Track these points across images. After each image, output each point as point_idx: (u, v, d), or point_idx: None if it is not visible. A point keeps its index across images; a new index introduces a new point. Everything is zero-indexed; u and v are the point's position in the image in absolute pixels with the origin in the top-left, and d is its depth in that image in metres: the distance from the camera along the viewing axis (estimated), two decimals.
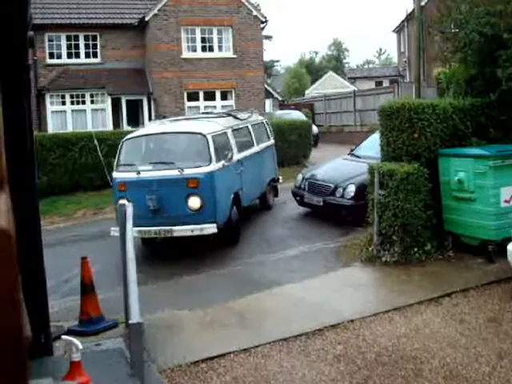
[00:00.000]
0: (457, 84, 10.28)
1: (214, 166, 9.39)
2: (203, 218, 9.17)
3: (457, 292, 7.13)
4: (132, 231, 5.77)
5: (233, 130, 10.88)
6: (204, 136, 9.56)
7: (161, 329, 6.51)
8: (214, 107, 23.54)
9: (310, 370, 5.41)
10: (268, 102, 29.68)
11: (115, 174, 9.61)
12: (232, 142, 10.55)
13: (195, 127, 10.28)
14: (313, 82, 60.26)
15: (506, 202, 8.04)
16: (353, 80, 54.78)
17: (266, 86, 28.24)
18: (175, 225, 9.14)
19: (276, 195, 13.55)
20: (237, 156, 10.59)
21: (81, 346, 3.39)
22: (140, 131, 10.86)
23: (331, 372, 5.36)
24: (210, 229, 9.14)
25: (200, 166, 9.30)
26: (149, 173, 9.28)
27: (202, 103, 24.02)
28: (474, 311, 6.57)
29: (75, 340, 3.47)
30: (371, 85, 48.01)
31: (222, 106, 23.68)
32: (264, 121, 13.91)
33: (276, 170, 13.77)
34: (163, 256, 9.98)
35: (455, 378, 5.06)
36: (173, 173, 9.17)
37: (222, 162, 9.66)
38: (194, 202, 9.17)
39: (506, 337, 5.84)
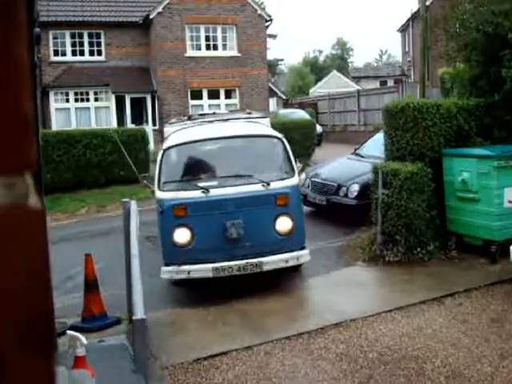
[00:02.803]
0: (461, 84, 10.28)
1: (297, 177, 7.69)
2: (293, 244, 7.34)
3: (460, 292, 7.13)
4: (136, 228, 5.76)
5: None
6: (281, 140, 7.72)
7: (163, 326, 6.53)
8: (218, 106, 23.54)
9: (312, 369, 5.42)
10: (272, 101, 29.67)
11: (161, 195, 7.30)
12: None
13: (262, 129, 8.41)
14: (317, 81, 60.22)
15: (509, 202, 8.03)
16: (357, 79, 54.72)
17: (270, 84, 28.23)
18: (263, 255, 7.17)
19: None
20: None
21: (85, 341, 3.41)
22: (181, 137, 8.09)
23: (333, 371, 5.36)
24: (306, 256, 7.40)
25: (284, 178, 7.45)
26: (220, 190, 7.16)
27: (205, 101, 24.02)
28: (477, 311, 6.57)
29: (80, 335, 3.49)
30: (375, 84, 47.97)
31: (226, 105, 23.68)
32: None
33: None
34: None
35: (457, 377, 5.06)
36: (255, 188, 7.19)
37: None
38: (285, 224, 7.27)
39: (509, 337, 5.84)
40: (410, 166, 8.47)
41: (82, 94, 23.06)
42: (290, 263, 7.29)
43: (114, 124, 22.30)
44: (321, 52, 78.90)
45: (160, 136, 22.35)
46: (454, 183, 8.53)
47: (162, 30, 23.05)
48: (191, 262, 7.05)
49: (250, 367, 5.53)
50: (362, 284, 7.89)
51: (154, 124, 23.38)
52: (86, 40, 23.95)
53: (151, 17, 22.98)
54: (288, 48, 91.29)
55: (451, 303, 6.86)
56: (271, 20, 24.94)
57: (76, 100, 23.02)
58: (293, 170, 7.55)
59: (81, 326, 6.30)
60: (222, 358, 5.70)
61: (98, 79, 22.93)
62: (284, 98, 34.50)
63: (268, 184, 7.19)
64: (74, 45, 23.82)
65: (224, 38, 24.20)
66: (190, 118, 9.18)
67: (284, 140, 7.72)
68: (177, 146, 7.80)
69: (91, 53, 24.07)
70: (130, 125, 22.23)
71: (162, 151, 7.65)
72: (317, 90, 51.55)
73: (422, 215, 8.42)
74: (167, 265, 7.16)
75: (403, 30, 41.57)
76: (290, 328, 6.34)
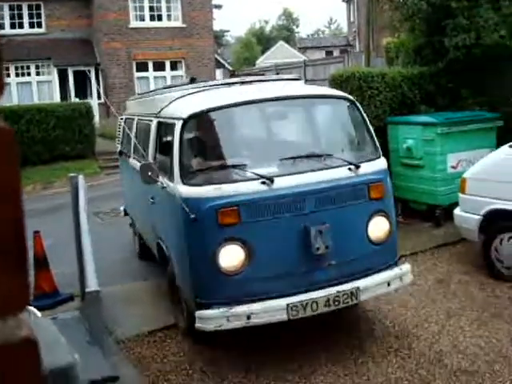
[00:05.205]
0: (405, 53, 10.47)
1: (383, 157, 5.41)
2: (387, 257, 5.08)
3: (406, 255, 7.33)
4: (86, 203, 5.66)
5: None
6: (354, 104, 5.44)
7: (117, 301, 6.50)
8: (164, 78, 23.24)
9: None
10: (218, 72, 29.45)
11: (188, 191, 4.59)
12: None
13: (323, 89, 6.25)
14: (263, 51, 60.00)
15: (452, 168, 8.28)
16: (303, 50, 54.80)
17: (216, 55, 27.99)
18: (356, 277, 4.80)
19: None
20: None
21: (39, 314, 3.39)
22: (205, 101, 5.21)
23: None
24: (409, 274, 5.16)
25: (373, 159, 5.19)
26: (289, 179, 4.64)
27: (151, 74, 23.67)
28: (423, 273, 6.80)
29: (33, 308, 3.46)
30: (322, 55, 48.13)
31: (172, 77, 23.40)
32: None
33: None
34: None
35: (406, 337, 5.25)
36: (341, 174, 4.83)
37: None
38: (381, 228, 5.01)
39: (454, 297, 6.08)
40: None
41: (22, 68, 22.37)
42: (393, 286, 5.02)
43: (57, 98, 21.75)
44: (267, 22, 78.48)
45: (106, 110, 21.94)
46: (398, 150, 8.72)
47: (105, 1, 22.49)
48: (248, 298, 4.50)
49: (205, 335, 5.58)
50: None
51: (99, 98, 22.93)
52: (25, 12, 23.17)
53: None
54: (234, 19, 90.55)
55: None
56: None
57: (17, 75, 22.33)
58: (376, 146, 5.36)
59: (32, 304, 6.21)
60: (177, 329, 5.74)
61: (38, 52, 22.27)
62: (231, 69, 34.26)
63: (357, 167, 4.89)
64: (12, 17, 23.03)
65: (168, 8, 23.80)
66: (192, 81, 6.11)
67: (358, 104, 5.50)
68: (207, 112, 5.05)
69: (31, 25, 23.33)
70: (73, 99, 21.72)
71: (180, 122, 4.85)
72: (264, 61, 51.35)
73: None
74: (205, 306, 4.53)
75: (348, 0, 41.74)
76: None
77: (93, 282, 3.60)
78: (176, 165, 4.75)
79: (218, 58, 30.33)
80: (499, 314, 5.60)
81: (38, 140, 16.23)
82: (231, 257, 4.49)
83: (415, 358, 4.85)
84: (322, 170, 4.78)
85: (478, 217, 6.56)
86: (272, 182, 4.53)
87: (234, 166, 4.78)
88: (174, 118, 5.07)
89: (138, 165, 6.15)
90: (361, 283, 4.72)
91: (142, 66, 23.59)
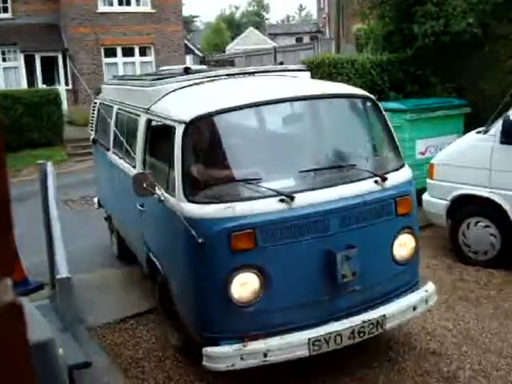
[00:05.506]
0: (375, 40, 10.53)
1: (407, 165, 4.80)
2: (409, 277, 4.59)
3: None
4: (54, 190, 5.59)
5: None
6: (375, 103, 4.82)
7: (89, 289, 6.46)
8: (133, 63, 23.00)
9: None
10: (188, 59, 29.23)
11: (194, 210, 3.91)
12: None
13: (339, 87, 5.41)
14: (233, 37, 59.75)
15: (421, 153, 8.39)
16: (273, 36, 54.73)
17: (185, 41, 27.77)
18: (380, 303, 4.32)
19: None
20: None
21: None
22: (210, 100, 4.48)
23: None
24: (434, 295, 4.64)
25: (398, 168, 4.59)
26: (310, 195, 4.04)
27: (120, 59, 23.38)
28: None
29: None
30: (292, 41, 48.16)
31: (142, 63, 23.16)
32: None
33: None
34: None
35: None
36: (367, 187, 4.26)
37: None
38: (408, 246, 4.53)
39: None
40: None
41: None
42: (419, 310, 4.51)
43: (24, 85, 21.36)
44: (237, 8, 78.18)
45: (74, 96, 21.63)
46: None
47: None
48: (263, 332, 3.96)
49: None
50: None
51: (67, 84, 22.59)
52: None
53: None
54: (203, 4, 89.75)
55: None
56: None
57: None
58: (399, 153, 4.76)
59: None
60: (149, 316, 5.73)
61: (4, 38, 21.79)
62: (200, 55, 34.07)
63: (383, 179, 4.31)
64: None
65: None
66: (187, 71, 5.30)
67: (380, 104, 4.88)
68: (214, 115, 4.26)
69: None
70: (41, 85, 21.35)
71: (182, 127, 4.12)
72: (234, 47, 51.15)
73: None
74: (213, 341, 3.96)
75: None
76: None
77: (63, 268, 3.57)
78: (178, 178, 4.03)
79: (188, 43, 30.09)
80: (466, 297, 5.73)
81: (5, 127, 15.95)
82: (245, 286, 3.91)
83: (384, 340, 4.94)
84: (346, 183, 4.21)
85: (446, 202, 6.67)
86: (292, 199, 3.92)
87: (247, 180, 4.02)
88: (172, 120, 4.34)
89: (120, 162, 5.88)
90: (386, 310, 4.24)
91: (111, 52, 23.27)
